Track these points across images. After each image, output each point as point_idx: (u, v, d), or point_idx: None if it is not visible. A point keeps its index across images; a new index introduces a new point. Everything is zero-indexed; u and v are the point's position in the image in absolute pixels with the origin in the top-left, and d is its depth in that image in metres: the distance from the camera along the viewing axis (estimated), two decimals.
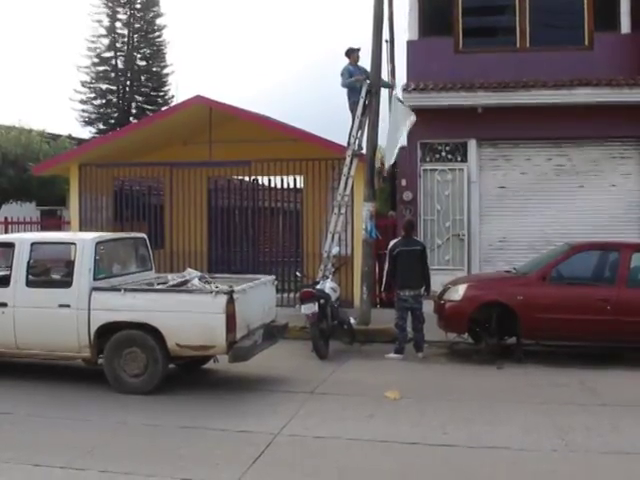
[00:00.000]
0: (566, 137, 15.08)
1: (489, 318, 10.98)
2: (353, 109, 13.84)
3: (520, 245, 15.00)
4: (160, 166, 16.07)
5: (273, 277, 10.80)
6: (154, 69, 45.17)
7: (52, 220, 23.14)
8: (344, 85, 13.87)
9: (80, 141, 27.44)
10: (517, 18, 15.30)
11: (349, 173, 13.60)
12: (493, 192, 15.42)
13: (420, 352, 11.35)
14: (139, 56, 44.77)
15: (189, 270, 10.58)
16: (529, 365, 10.59)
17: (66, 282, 9.31)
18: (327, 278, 12.37)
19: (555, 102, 14.56)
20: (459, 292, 11.26)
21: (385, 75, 14.72)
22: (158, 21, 44.74)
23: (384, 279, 11.84)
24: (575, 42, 15.18)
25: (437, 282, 12.24)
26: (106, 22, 43.88)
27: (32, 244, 9.62)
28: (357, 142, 13.80)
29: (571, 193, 15.13)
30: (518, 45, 15.33)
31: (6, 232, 17.95)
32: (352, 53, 13.92)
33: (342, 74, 13.87)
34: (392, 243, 11.78)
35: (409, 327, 11.44)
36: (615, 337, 10.73)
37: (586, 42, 15.14)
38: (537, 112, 14.68)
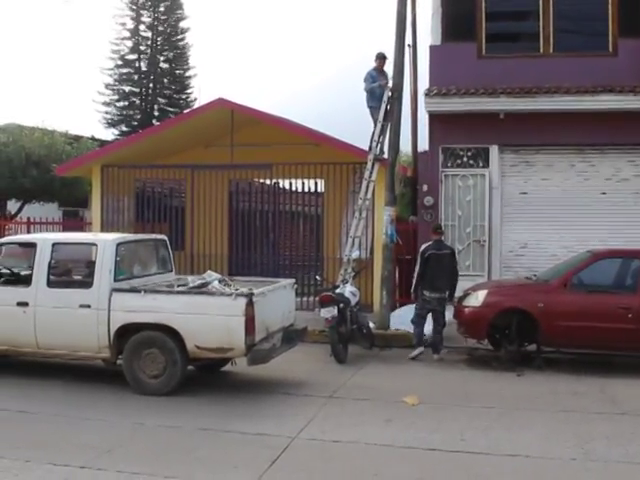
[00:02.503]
0: (589, 144, 14.93)
1: (509, 325, 10.93)
2: (373, 114, 13.90)
3: (541, 252, 14.86)
4: (182, 168, 16.12)
5: (293, 280, 10.80)
6: (177, 72, 45.53)
7: (74, 221, 23.28)
8: (366, 89, 13.93)
9: (103, 142, 27.61)
10: (541, 23, 15.17)
11: (370, 177, 13.63)
12: (514, 198, 15.31)
13: (436, 354, 11.36)
14: (162, 59, 45.15)
15: (209, 272, 10.60)
16: (549, 372, 10.52)
17: (87, 282, 9.37)
18: (347, 282, 12.38)
19: (578, 108, 14.43)
20: (479, 298, 11.21)
21: (407, 79, 14.68)
22: (181, 24, 45.21)
23: (414, 281, 11.89)
24: (599, 48, 15.02)
25: (457, 288, 12.20)
26: (130, 25, 44.40)
27: (54, 244, 9.70)
28: (379, 146, 13.82)
29: (593, 200, 14.96)
30: (541, 51, 15.20)
31: (28, 232, 18.08)
32: (379, 59, 13.96)
33: (365, 79, 13.97)
34: (424, 246, 11.87)
35: (427, 331, 11.50)
36: (636, 345, 10.63)
37: (610, 48, 14.98)
38: (560, 118, 14.56)
